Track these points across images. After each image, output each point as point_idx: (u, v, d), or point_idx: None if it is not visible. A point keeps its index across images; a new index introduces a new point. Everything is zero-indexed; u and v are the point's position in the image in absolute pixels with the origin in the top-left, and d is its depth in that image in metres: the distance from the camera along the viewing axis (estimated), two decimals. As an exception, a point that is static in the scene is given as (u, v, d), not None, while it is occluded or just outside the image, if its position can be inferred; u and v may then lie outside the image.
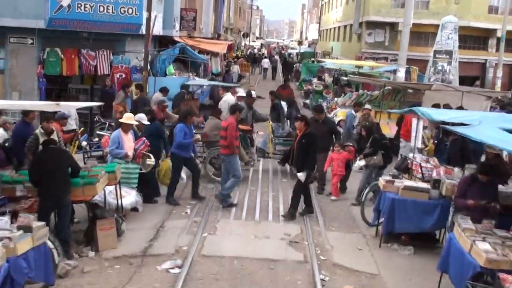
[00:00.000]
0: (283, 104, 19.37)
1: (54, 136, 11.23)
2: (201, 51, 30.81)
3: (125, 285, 8.87)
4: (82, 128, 16.02)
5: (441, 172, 11.47)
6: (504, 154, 13.02)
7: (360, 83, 26.33)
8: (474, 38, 43.84)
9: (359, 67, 30.40)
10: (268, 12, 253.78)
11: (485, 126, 10.64)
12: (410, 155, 13.09)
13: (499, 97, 23.86)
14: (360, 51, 43.66)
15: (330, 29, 65.72)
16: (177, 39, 29.02)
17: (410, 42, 41.52)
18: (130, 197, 11.51)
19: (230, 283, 9.07)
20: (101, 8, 21.51)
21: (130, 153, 11.88)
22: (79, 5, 21.15)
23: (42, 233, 7.62)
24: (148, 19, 20.44)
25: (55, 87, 23.59)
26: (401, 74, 23.97)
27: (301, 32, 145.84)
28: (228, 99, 19.37)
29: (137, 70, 23.09)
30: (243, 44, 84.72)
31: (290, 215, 12.34)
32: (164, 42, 28.43)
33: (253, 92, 18.61)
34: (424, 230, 10.95)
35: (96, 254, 9.87)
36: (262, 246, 10.64)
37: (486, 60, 43.41)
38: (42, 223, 7.72)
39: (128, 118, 12.22)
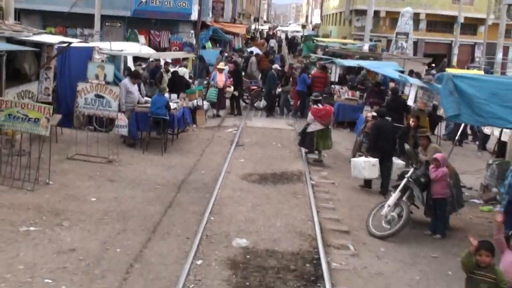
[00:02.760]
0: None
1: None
2: (226, 32, 41.84)
3: (214, 134, 19.99)
4: None
5: (350, 93, 22.73)
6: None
7: (344, 54, 37.24)
8: (441, 23, 54.47)
9: (344, 44, 41.43)
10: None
11: (385, 67, 21.93)
12: (333, 86, 24.29)
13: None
14: (351, 33, 54.51)
15: (330, 14, 76.57)
16: (208, 23, 40.05)
17: (390, 26, 52.48)
18: (206, 105, 22.67)
19: (260, 134, 20.24)
20: (165, 3, 32.59)
21: (221, 83, 22.85)
22: (152, 1, 32.21)
23: (187, 101, 18.85)
24: (199, 11, 31.47)
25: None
26: (365, 48, 34.94)
27: (307, 16, 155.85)
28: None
29: (187, 45, 34.06)
30: (253, 27, 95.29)
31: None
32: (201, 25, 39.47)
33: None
34: (353, 119, 22.02)
35: (196, 127, 20.91)
36: (275, 125, 21.91)
37: (452, 41, 53.74)
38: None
39: (221, 65, 23.49)
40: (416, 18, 50.44)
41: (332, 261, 9.68)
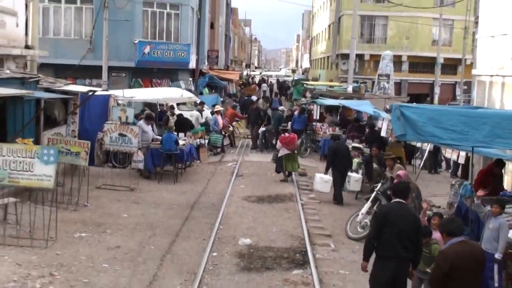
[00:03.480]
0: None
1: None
2: (221, 78, 45.16)
3: (216, 167, 22.89)
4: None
5: (330, 130, 25.80)
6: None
7: (330, 95, 40.48)
8: (423, 64, 57.84)
9: (331, 86, 44.76)
10: (266, 41, 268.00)
11: (361, 105, 25.03)
12: (314, 123, 27.39)
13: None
14: (337, 76, 57.92)
15: (318, 59, 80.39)
16: (204, 70, 43.37)
17: (374, 68, 55.89)
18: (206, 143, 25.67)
19: (256, 166, 23.14)
20: (166, 54, 35.74)
21: (221, 125, 25.97)
22: (154, 53, 35.41)
23: (192, 139, 21.81)
24: (197, 60, 34.76)
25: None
26: (349, 89, 38.23)
27: (297, 61, 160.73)
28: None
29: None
30: (244, 73, 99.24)
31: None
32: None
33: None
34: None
35: (200, 162, 23.76)
36: (268, 158, 24.78)
37: (433, 81, 57.10)
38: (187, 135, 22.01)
39: (218, 108, 26.60)
40: (398, 60, 54.06)
41: (316, 253, 12.55)
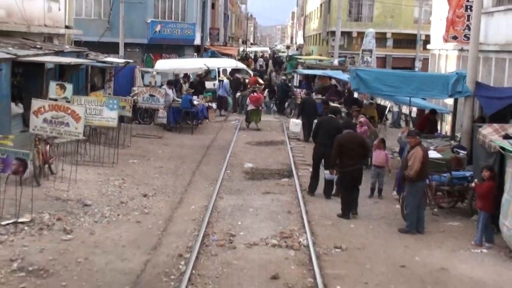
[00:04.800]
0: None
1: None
2: (222, 54, 50.25)
3: (222, 124, 28.19)
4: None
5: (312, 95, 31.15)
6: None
7: (318, 68, 45.67)
8: (405, 41, 62.78)
9: (320, 60, 49.99)
10: (261, 18, 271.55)
11: (337, 74, 30.36)
12: (295, 89, 32.82)
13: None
14: (327, 52, 62.95)
15: (311, 35, 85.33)
16: (207, 46, 48.50)
17: (361, 45, 60.82)
18: (215, 105, 30.92)
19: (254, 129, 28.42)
20: (174, 31, 40.85)
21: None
22: (164, 30, 40.51)
23: (204, 101, 27.11)
24: (202, 37, 39.88)
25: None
26: (335, 63, 43.48)
27: (291, 38, 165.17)
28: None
29: (192, 65, 42.29)
30: (241, 49, 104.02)
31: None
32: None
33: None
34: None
35: (209, 121, 28.98)
36: (265, 118, 30.08)
37: (415, 56, 62.09)
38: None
39: (222, 77, 31.90)
40: (383, 36, 59.08)
41: (298, 172, 17.96)
